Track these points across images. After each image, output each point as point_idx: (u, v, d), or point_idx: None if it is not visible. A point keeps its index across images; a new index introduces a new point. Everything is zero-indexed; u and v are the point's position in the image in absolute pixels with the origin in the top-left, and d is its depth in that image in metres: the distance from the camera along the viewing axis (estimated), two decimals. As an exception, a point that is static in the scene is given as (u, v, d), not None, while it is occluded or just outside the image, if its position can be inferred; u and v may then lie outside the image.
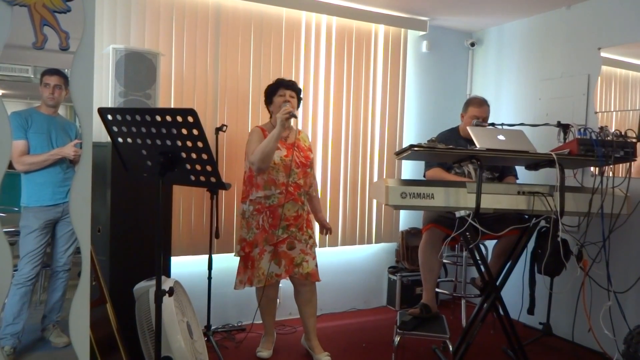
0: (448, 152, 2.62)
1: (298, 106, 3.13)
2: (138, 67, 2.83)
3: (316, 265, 3.07)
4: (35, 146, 2.92)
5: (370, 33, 4.05)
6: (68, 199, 2.85)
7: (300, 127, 3.73)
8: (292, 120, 2.89)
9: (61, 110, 3.12)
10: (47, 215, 2.94)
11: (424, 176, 3.39)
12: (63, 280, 3.08)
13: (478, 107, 3.33)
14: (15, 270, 2.68)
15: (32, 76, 3.00)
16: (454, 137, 3.36)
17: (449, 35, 4.41)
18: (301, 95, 3.15)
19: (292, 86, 3.05)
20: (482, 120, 3.25)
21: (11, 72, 2.95)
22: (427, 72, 4.37)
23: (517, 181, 3.41)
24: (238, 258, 3.09)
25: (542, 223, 2.77)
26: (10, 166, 1.96)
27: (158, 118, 1.82)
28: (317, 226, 3.35)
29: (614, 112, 3.40)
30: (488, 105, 3.38)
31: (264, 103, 3.17)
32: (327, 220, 3.41)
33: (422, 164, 3.58)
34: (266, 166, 2.89)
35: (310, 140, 3.29)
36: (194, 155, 1.87)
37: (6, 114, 1.80)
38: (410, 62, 4.28)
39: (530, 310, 3.06)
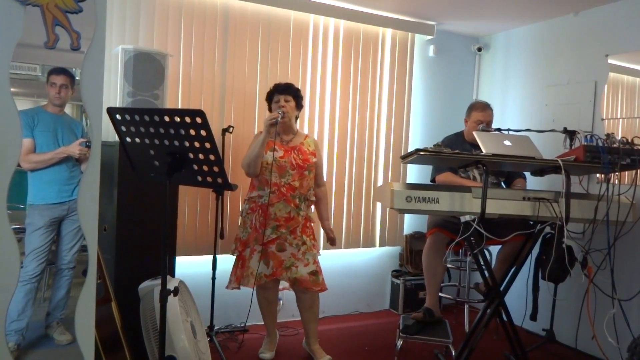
0: (454, 157, 2.62)
1: (301, 105, 3.11)
2: (146, 67, 2.84)
3: (313, 273, 2.98)
4: (41, 144, 2.93)
5: (378, 37, 4.05)
6: (74, 197, 2.88)
7: (306, 129, 3.75)
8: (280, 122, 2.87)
9: (68, 109, 3.13)
10: (53, 212, 2.95)
11: (432, 181, 3.38)
12: (67, 278, 3.08)
13: (481, 112, 3.33)
14: (20, 267, 2.69)
15: (40, 74, 3.01)
16: (459, 142, 3.36)
17: (456, 40, 4.42)
18: (300, 94, 3.08)
19: (285, 90, 3.02)
20: (485, 124, 3.25)
21: (19, 70, 2.97)
22: (434, 76, 4.37)
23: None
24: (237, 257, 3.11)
25: (547, 229, 2.77)
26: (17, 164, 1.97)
27: (166, 118, 1.83)
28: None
29: (621, 120, 3.40)
30: (491, 109, 3.38)
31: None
32: (332, 228, 3.30)
33: (427, 168, 3.58)
34: (253, 171, 2.94)
35: (315, 145, 3.17)
36: (201, 156, 1.88)
37: (17, 112, 1.82)
38: (417, 66, 4.28)
39: (533, 317, 3.05)
